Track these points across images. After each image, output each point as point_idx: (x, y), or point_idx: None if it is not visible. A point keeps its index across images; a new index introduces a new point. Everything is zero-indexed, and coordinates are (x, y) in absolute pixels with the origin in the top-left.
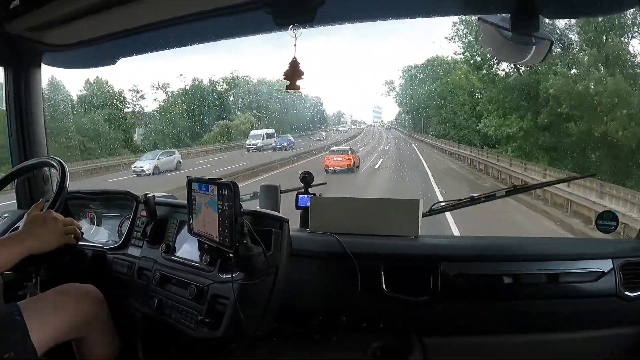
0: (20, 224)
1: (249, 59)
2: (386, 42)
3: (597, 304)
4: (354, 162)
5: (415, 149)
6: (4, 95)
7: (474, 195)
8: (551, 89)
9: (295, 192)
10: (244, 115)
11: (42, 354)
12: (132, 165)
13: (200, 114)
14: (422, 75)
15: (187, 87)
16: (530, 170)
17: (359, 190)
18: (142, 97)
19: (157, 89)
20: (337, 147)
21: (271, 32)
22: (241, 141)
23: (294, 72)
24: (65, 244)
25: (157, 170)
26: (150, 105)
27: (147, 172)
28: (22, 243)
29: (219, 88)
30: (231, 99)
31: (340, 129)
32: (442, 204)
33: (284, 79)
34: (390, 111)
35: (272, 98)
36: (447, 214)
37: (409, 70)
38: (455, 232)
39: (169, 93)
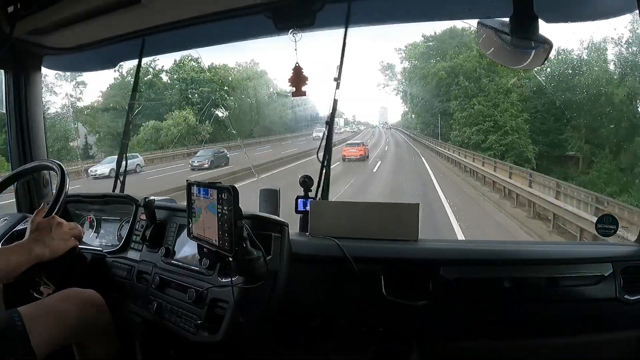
0: (21, 225)
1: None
2: (399, 41)
3: (597, 308)
4: (365, 153)
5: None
6: (4, 97)
7: None
8: None
9: (295, 196)
10: (180, 113)
11: (42, 359)
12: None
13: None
14: (434, 57)
15: (120, 79)
16: None
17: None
18: (51, 91)
19: (65, 80)
20: (352, 141)
21: (271, 36)
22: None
23: (298, 78)
24: (69, 249)
25: None
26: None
27: None
28: (29, 252)
29: (165, 79)
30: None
31: (315, 134)
32: None
33: (289, 85)
34: (398, 111)
35: (225, 91)
36: (451, 216)
37: (415, 48)
38: (460, 236)
39: (82, 85)
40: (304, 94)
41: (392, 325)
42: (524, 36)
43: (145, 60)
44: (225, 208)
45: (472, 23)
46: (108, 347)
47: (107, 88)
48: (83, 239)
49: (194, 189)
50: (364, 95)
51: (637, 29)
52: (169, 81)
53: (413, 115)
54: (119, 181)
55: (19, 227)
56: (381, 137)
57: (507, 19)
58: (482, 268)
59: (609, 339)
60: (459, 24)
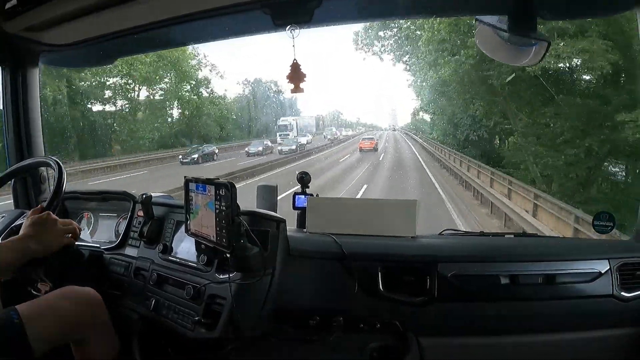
0: (19, 221)
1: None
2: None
3: (594, 305)
4: (375, 145)
5: None
6: (1, 94)
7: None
8: None
9: (293, 193)
10: None
11: (40, 357)
12: None
13: None
14: None
15: None
16: None
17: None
18: None
19: None
20: (366, 136)
21: (269, 33)
22: None
23: (296, 75)
24: (65, 245)
25: None
26: None
27: None
28: (23, 248)
29: None
30: None
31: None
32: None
33: (288, 82)
34: (408, 112)
35: None
36: (454, 215)
37: None
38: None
39: None
40: (301, 90)
41: (390, 322)
42: (522, 33)
43: None
44: (223, 204)
45: None
46: (106, 344)
47: None
48: (80, 236)
49: (192, 186)
50: (378, 97)
51: None
52: None
53: (425, 116)
54: None
55: (17, 222)
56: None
57: (505, 16)
58: (480, 264)
59: (605, 336)
60: None
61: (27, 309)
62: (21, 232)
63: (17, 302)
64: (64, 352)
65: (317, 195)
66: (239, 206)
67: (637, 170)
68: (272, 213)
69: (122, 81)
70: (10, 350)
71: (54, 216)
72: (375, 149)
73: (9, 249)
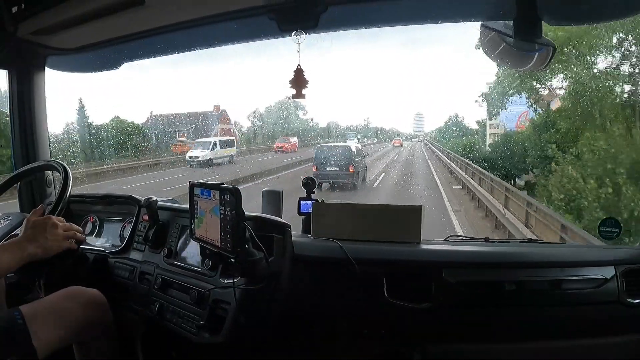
0: (19, 230)
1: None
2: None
3: (600, 311)
4: (402, 143)
5: None
6: (8, 98)
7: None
8: None
9: (298, 198)
10: None
11: (43, 358)
12: None
13: None
14: None
15: None
16: None
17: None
18: None
19: None
20: (396, 137)
21: (275, 38)
22: None
23: (299, 81)
24: (66, 249)
25: None
26: None
27: None
28: (22, 250)
29: None
30: None
31: None
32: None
33: (290, 87)
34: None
35: None
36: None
37: None
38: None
39: None
40: (303, 96)
41: (394, 328)
42: (527, 39)
43: None
44: (227, 209)
45: None
46: (109, 347)
47: None
48: (86, 239)
49: (197, 190)
50: (399, 101)
51: None
52: None
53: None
54: None
55: (18, 230)
56: None
57: (510, 22)
58: (485, 271)
59: (611, 342)
60: None
61: (30, 310)
62: (20, 234)
63: (22, 303)
64: (66, 354)
65: (322, 200)
66: (244, 211)
67: None
68: (277, 218)
69: None
70: (14, 351)
71: (56, 219)
72: (401, 145)
73: (7, 251)
